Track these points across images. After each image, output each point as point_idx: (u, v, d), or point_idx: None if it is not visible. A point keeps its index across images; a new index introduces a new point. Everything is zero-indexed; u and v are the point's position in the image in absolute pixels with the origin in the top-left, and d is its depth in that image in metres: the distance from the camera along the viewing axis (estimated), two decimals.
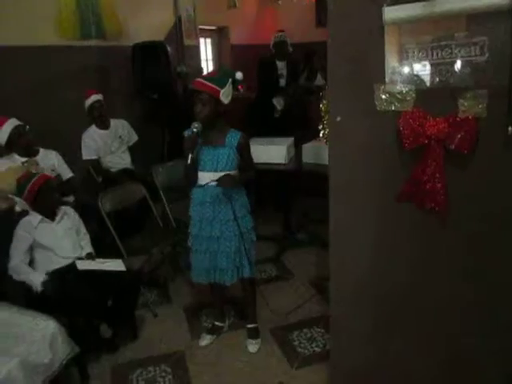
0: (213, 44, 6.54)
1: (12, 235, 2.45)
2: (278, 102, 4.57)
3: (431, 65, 1.43)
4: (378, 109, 1.53)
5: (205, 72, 5.90)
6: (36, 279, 2.37)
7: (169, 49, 4.42)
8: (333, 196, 1.74)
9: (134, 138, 4.03)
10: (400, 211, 1.62)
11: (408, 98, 1.48)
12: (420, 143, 1.48)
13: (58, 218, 2.58)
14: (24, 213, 2.58)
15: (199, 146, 2.26)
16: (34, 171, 2.79)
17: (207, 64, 6.43)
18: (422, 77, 1.45)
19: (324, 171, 3.25)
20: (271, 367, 2.44)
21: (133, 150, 4.00)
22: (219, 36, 6.53)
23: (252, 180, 2.46)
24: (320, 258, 3.56)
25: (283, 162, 3.52)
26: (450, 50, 1.38)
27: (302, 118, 4.71)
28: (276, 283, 3.30)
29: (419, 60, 1.44)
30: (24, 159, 3.08)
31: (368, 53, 1.51)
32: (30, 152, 3.15)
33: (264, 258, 3.61)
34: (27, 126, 3.11)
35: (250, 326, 2.65)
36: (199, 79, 2.22)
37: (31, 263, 2.50)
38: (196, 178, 2.33)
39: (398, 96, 1.49)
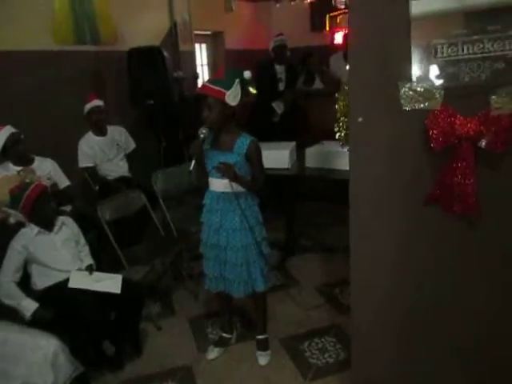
0: (208, 49, 6.48)
1: (6, 249, 2.33)
2: (278, 106, 4.51)
3: (461, 61, 1.36)
4: (404, 108, 1.46)
5: (200, 77, 5.84)
6: (27, 308, 2.23)
7: (165, 54, 4.32)
8: (354, 200, 1.66)
9: (132, 145, 3.93)
10: (427, 215, 1.54)
11: (436, 96, 1.40)
12: (449, 143, 1.40)
13: (56, 229, 2.47)
14: (20, 225, 2.46)
15: (208, 149, 2.19)
16: (29, 180, 2.68)
17: (202, 69, 6.36)
18: (451, 74, 1.38)
19: (328, 175, 3.25)
20: (284, 380, 2.34)
21: (130, 157, 3.89)
22: (214, 41, 6.48)
23: (259, 189, 2.32)
24: (325, 263, 3.48)
25: (286, 166, 3.44)
26: (481, 45, 1.31)
27: (302, 122, 4.63)
28: (282, 292, 3.19)
29: (448, 56, 1.37)
30: (19, 168, 2.97)
31: (393, 50, 1.44)
32: (25, 160, 3.04)
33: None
34: (22, 135, 3.00)
35: (259, 337, 2.54)
36: (205, 83, 2.16)
37: (28, 278, 2.38)
38: (207, 182, 2.26)
39: (426, 94, 1.42)
